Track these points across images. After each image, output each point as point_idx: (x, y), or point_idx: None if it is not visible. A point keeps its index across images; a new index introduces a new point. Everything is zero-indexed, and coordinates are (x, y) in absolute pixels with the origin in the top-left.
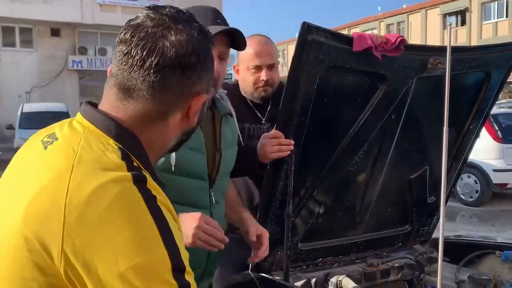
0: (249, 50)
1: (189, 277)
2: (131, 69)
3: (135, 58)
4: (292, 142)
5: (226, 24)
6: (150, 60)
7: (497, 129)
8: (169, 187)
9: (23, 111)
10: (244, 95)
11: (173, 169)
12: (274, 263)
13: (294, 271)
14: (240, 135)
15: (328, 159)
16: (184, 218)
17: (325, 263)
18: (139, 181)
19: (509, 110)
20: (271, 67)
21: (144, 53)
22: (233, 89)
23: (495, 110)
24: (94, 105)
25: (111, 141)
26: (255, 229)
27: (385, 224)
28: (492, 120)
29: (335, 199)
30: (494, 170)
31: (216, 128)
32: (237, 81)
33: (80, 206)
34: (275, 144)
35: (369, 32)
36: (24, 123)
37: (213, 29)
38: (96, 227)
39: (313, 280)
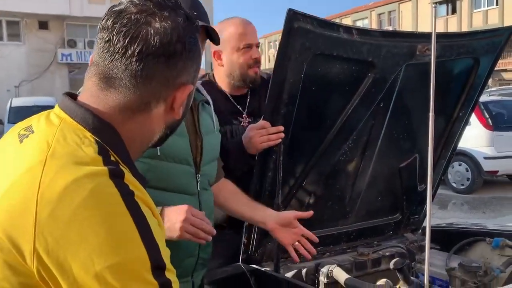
0: (237, 30)
1: (171, 274)
2: (113, 57)
3: (117, 46)
4: (282, 128)
5: (204, 14)
6: (132, 47)
7: (487, 116)
8: (157, 173)
9: (12, 105)
10: (222, 88)
11: (158, 153)
12: (265, 254)
13: (284, 262)
14: (218, 123)
15: (317, 148)
16: (170, 211)
17: (316, 253)
18: (116, 176)
19: (499, 98)
20: (257, 46)
21: (126, 41)
22: (209, 84)
23: (485, 97)
24: (74, 97)
25: (88, 134)
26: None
27: (375, 213)
28: (483, 107)
29: (324, 189)
30: (485, 158)
31: (194, 114)
32: (207, 74)
33: (53, 202)
34: (264, 134)
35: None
36: (13, 117)
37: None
38: (70, 225)
39: (303, 271)
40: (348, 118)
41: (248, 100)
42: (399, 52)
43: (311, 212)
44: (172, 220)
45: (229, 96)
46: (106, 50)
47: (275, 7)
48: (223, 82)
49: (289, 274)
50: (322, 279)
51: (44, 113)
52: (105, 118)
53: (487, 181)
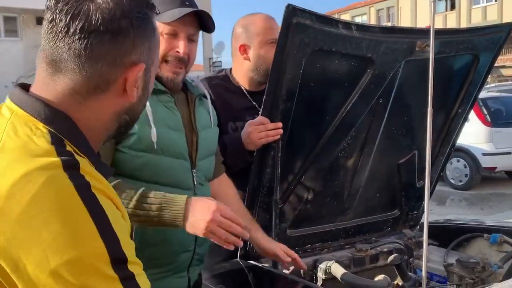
0: (265, 24)
1: (135, 267)
2: (56, 37)
3: (59, 25)
4: (280, 124)
5: (195, 6)
6: (74, 25)
7: (486, 113)
8: (153, 167)
9: None
10: (239, 83)
11: (155, 146)
12: None
13: None
14: (216, 117)
15: (316, 144)
16: (197, 205)
17: (314, 249)
18: (70, 167)
19: (497, 94)
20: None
21: (68, 18)
22: (224, 79)
23: (484, 94)
24: (27, 87)
25: (41, 125)
26: (281, 251)
27: (374, 209)
28: (481, 104)
29: (323, 185)
30: (483, 154)
31: (191, 109)
32: (224, 70)
33: (2, 199)
34: (262, 130)
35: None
36: None
37: (180, 11)
38: (20, 222)
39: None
40: (347, 114)
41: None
42: (399, 48)
43: (299, 262)
44: (197, 216)
45: (246, 92)
46: (50, 31)
47: (273, 2)
48: (244, 77)
49: (287, 271)
50: (320, 275)
51: (1, 105)
52: (58, 106)
53: (485, 178)
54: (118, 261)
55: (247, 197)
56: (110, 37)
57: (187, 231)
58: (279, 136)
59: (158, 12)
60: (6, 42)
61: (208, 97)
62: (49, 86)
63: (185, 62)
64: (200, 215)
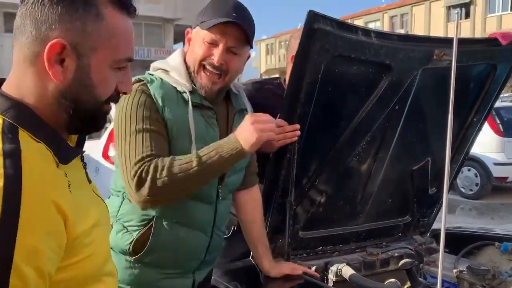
0: None
1: (19, 274)
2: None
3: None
4: (298, 126)
5: (242, 19)
6: None
7: (498, 122)
8: None
9: None
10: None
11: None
12: (275, 251)
13: (294, 259)
14: None
15: (331, 148)
16: (239, 131)
17: (325, 252)
18: (8, 155)
19: (511, 104)
20: None
21: None
22: (276, 87)
23: (497, 103)
24: (1, 81)
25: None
26: (289, 270)
27: (385, 214)
28: (494, 113)
29: (336, 189)
30: (495, 164)
31: (229, 124)
32: (279, 78)
33: None
34: (280, 133)
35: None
36: None
37: (217, 21)
38: None
39: (313, 268)
40: (363, 120)
41: None
42: (416, 56)
43: (315, 274)
44: (244, 133)
45: None
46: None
47: (286, 7)
48: None
49: None
50: (331, 277)
51: None
52: (16, 95)
53: (496, 187)
54: (2, 260)
55: (262, 198)
56: (39, 5)
57: (249, 151)
58: (296, 138)
59: (132, 14)
60: (6, 38)
61: (249, 109)
62: (12, 68)
63: (222, 71)
64: (245, 131)
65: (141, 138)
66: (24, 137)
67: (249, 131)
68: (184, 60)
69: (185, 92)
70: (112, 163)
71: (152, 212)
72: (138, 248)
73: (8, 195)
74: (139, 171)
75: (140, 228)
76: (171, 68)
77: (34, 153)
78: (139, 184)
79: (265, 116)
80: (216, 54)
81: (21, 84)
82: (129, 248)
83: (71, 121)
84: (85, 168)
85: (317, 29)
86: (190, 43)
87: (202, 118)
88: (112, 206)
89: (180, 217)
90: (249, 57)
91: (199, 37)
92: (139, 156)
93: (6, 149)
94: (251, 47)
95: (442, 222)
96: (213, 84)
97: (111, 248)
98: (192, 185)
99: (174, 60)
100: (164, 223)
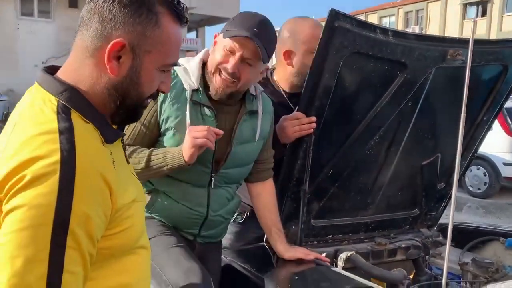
0: (313, 32)
1: (75, 237)
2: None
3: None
4: (314, 119)
5: (261, 37)
6: None
7: (510, 122)
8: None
9: None
10: (279, 86)
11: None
12: (288, 237)
13: (305, 246)
14: (265, 131)
15: (345, 141)
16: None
17: (335, 240)
18: (64, 132)
19: None
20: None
21: None
22: (264, 81)
23: (509, 103)
24: (55, 68)
25: (53, 98)
26: (302, 254)
27: (395, 206)
28: (506, 113)
29: (348, 180)
30: (504, 164)
31: (235, 123)
32: (268, 72)
33: (12, 151)
34: (297, 125)
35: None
36: None
37: (238, 33)
38: None
39: (323, 255)
40: (377, 115)
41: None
42: (431, 55)
43: (326, 259)
44: (184, 144)
45: (284, 93)
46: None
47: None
48: (284, 80)
49: None
50: (340, 263)
51: (33, 85)
52: (69, 80)
53: (504, 187)
54: (61, 225)
55: (278, 186)
56: (108, 5)
57: (187, 158)
58: (312, 130)
59: (184, 22)
60: (39, 22)
61: (260, 112)
62: (69, 57)
63: (236, 78)
64: (185, 141)
65: (137, 127)
66: (75, 117)
67: (186, 140)
68: (206, 59)
69: (187, 90)
70: None
71: (151, 185)
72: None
73: (65, 166)
74: None
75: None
76: (189, 66)
77: (85, 131)
78: None
79: (201, 126)
80: (231, 62)
81: (78, 71)
82: None
83: (116, 111)
84: (124, 150)
85: (337, 26)
86: (215, 46)
87: (199, 115)
88: None
89: (173, 193)
90: (267, 69)
91: (221, 43)
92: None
93: (61, 127)
94: (267, 62)
95: (451, 213)
96: (226, 88)
97: None
98: (141, 176)
99: (194, 59)
100: (161, 195)
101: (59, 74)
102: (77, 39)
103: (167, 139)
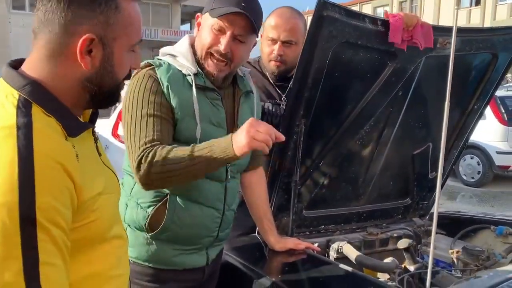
0: (271, 20)
1: (44, 230)
2: (36, 9)
3: None
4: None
5: (250, 9)
6: None
7: (503, 111)
8: None
9: None
10: (264, 71)
11: (198, 142)
12: (279, 228)
13: (297, 237)
14: (260, 112)
15: (336, 132)
16: (236, 133)
17: (327, 230)
18: (21, 127)
19: None
20: (287, 43)
21: None
22: (255, 65)
23: (502, 93)
24: (21, 62)
25: (15, 92)
26: (292, 244)
27: (386, 196)
28: (499, 102)
29: (340, 170)
30: (498, 152)
31: (236, 105)
32: (259, 56)
33: None
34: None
35: (397, 12)
36: None
37: (227, 10)
38: None
39: (315, 245)
40: (367, 105)
41: (290, 83)
42: None
43: (317, 248)
44: (238, 137)
45: (270, 79)
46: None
47: None
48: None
49: None
50: (333, 254)
51: None
52: (31, 73)
53: (498, 176)
54: (26, 218)
55: (268, 177)
56: (63, 5)
57: (239, 154)
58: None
59: None
60: (31, 16)
61: (255, 93)
62: (31, 54)
63: (228, 59)
64: (240, 134)
65: (145, 123)
66: (36, 111)
67: (242, 135)
68: (192, 44)
69: (190, 75)
70: (121, 141)
71: (165, 190)
72: (154, 224)
73: (23, 161)
74: (141, 154)
75: (153, 204)
76: (178, 53)
77: (45, 125)
78: (138, 168)
79: (265, 126)
80: (223, 42)
81: (43, 68)
82: (145, 224)
83: (92, 99)
84: (95, 141)
85: (326, 16)
86: (199, 28)
87: (206, 100)
88: (126, 185)
89: (192, 195)
90: (255, 44)
91: (207, 24)
92: (142, 140)
93: (19, 122)
94: (257, 35)
95: (436, 201)
96: (219, 72)
97: (129, 225)
98: (181, 177)
99: (181, 45)
100: (178, 200)
101: (23, 69)
102: (39, 40)
103: (179, 131)
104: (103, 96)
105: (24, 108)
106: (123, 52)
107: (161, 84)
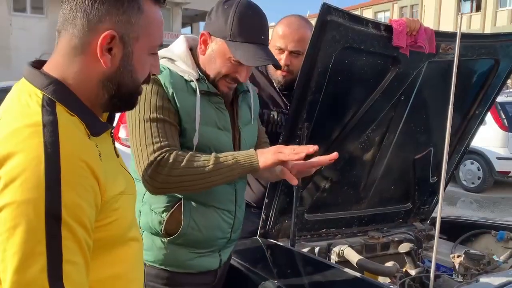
0: (279, 29)
1: (69, 228)
2: (61, 7)
3: None
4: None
5: (267, 39)
6: None
7: (503, 117)
8: None
9: None
10: (271, 78)
11: (194, 149)
12: (281, 231)
13: (299, 240)
14: (257, 108)
15: (338, 135)
16: (263, 151)
17: (329, 234)
18: (47, 125)
19: None
20: (295, 53)
21: None
22: (263, 72)
23: (502, 98)
24: (42, 62)
25: (38, 92)
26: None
27: (387, 200)
28: (499, 108)
29: (341, 174)
30: (498, 158)
31: (235, 107)
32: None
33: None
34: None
35: (403, 18)
36: None
37: (255, 59)
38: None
39: (317, 249)
40: (370, 109)
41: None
42: None
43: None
44: (266, 154)
45: (276, 87)
46: (60, 2)
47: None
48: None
49: (303, 250)
50: (334, 257)
51: (20, 80)
52: (54, 74)
53: (498, 181)
54: (53, 216)
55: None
56: (88, 2)
57: (262, 168)
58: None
59: (161, 2)
60: (32, 18)
61: (251, 90)
62: (54, 54)
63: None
64: (267, 153)
65: (156, 127)
66: (60, 110)
67: (270, 155)
68: (190, 47)
69: (192, 81)
70: (122, 144)
71: (178, 195)
72: (170, 229)
73: (49, 158)
74: (158, 158)
75: (167, 209)
76: (177, 57)
77: (70, 124)
78: (156, 172)
79: (288, 148)
80: (242, 75)
81: (66, 68)
82: (161, 229)
83: (111, 100)
84: (113, 143)
85: (329, 21)
86: (207, 47)
87: (211, 104)
88: (137, 192)
89: (205, 198)
90: None
91: (224, 52)
92: (157, 144)
93: (45, 120)
94: None
95: (439, 206)
96: (229, 90)
97: (145, 230)
98: (202, 183)
99: (179, 48)
100: (193, 204)
101: (46, 68)
102: (62, 38)
103: (186, 140)
104: (122, 97)
105: (49, 107)
106: (143, 53)
107: (165, 89)
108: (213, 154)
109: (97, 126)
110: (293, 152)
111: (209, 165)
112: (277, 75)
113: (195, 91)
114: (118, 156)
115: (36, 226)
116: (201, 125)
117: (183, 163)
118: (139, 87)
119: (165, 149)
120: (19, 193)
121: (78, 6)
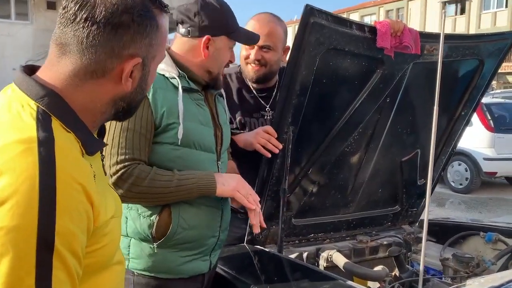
0: (249, 25)
1: (60, 258)
2: (65, 23)
3: (69, 12)
4: (280, 146)
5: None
6: (80, 15)
7: (489, 118)
8: (185, 160)
9: None
10: (246, 81)
11: (178, 143)
12: (268, 237)
13: (287, 245)
14: (228, 113)
15: (324, 139)
16: (223, 176)
17: (317, 239)
18: (43, 142)
19: (502, 100)
20: (266, 48)
21: (76, 7)
22: (237, 75)
23: (488, 99)
24: (33, 69)
25: (32, 102)
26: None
27: (375, 204)
28: (485, 109)
29: (328, 178)
30: (485, 159)
31: (212, 106)
32: (239, 66)
33: None
34: (265, 138)
35: (386, 20)
36: None
37: (249, 38)
38: None
39: (305, 254)
40: (355, 112)
41: (273, 94)
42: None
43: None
44: (227, 181)
45: (252, 89)
46: (61, 17)
47: (280, 2)
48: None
49: (291, 256)
50: (322, 262)
51: (8, 86)
52: (53, 85)
53: (485, 182)
54: (44, 242)
55: (257, 185)
56: (111, 29)
57: (218, 194)
58: (276, 150)
59: (168, 11)
60: (16, 25)
61: (224, 95)
62: (53, 66)
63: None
64: (229, 180)
65: (125, 138)
66: (56, 126)
67: (230, 186)
68: (168, 48)
69: (174, 78)
70: None
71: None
72: (161, 232)
73: (45, 180)
74: (121, 171)
75: (155, 211)
76: None
77: (66, 141)
78: (118, 183)
79: (250, 189)
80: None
81: (66, 81)
82: (152, 233)
83: (116, 114)
84: (102, 160)
85: (313, 23)
86: (209, 49)
87: (192, 101)
88: None
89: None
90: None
91: (228, 45)
92: (122, 156)
93: (41, 136)
94: None
95: (426, 208)
96: (259, 73)
97: (132, 238)
98: (163, 199)
99: None
100: (181, 204)
101: (41, 76)
102: (68, 58)
103: (171, 135)
104: (127, 112)
105: (44, 121)
106: (155, 68)
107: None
108: (176, 174)
109: (93, 144)
110: (247, 199)
111: (170, 187)
112: (248, 70)
113: (176, 87)
114: (105, 174)
115: (26, 255)
116: (184, 120)
117: (146, 181)
118: (143, 98)
119: (128, 163)
120: (9, 218)
121: (99, 32)
